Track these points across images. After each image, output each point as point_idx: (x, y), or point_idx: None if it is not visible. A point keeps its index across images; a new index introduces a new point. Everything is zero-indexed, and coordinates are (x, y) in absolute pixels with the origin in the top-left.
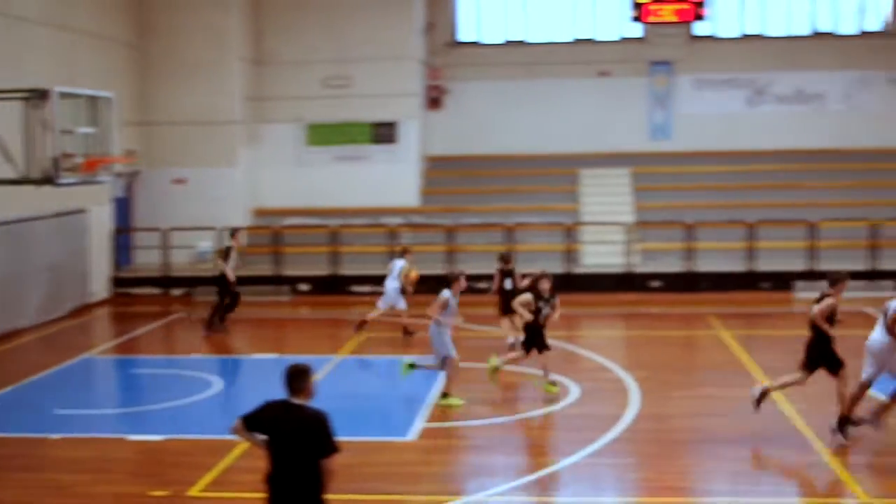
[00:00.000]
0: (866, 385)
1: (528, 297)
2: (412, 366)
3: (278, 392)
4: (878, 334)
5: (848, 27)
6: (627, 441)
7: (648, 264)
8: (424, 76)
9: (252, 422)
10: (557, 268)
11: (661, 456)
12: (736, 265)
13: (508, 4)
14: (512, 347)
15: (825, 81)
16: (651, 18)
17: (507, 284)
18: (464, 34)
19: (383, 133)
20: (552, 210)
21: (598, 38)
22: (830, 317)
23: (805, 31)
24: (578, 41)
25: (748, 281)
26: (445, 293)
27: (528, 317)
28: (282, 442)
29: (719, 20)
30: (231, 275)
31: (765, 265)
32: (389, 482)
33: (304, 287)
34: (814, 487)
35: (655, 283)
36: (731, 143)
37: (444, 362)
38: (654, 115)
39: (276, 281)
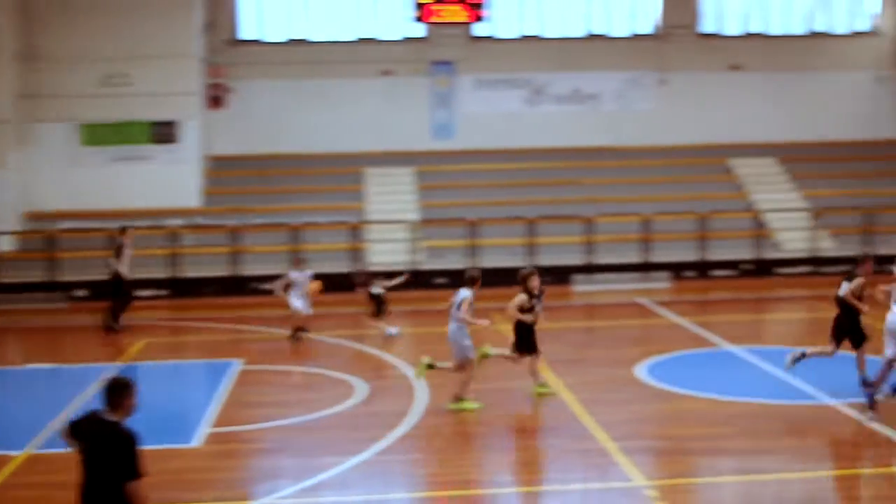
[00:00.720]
0: (892, 362)
1: (522, 297)
2: (430, 366)
3: (54, 403)
4: (894, 315)
5: (620, 30)
6: (415, 437)
7: (433, 261)
8: (205, 75)
9: (73, 429)
10: (344, 267)
11: (448, 450)
12: (517, 260)
13: (290, 2)
14: (391, 338)
15: (600, 82)
16: (433, 18)
17: (376, 289)
18: (245, 32)
19: (163, 133)
20: (338, 209)
21: (381, 37)
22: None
23: (580, 33)
24: (361, 40)
25: None
26: (466, 292)
27: (530, 318)
28: (88, 456)
29: (499, 21)
30: (125, 273)
31: (545, 260)
32: (175, 490)
33: (81, 293)
34: (595, 473)
35: (441, 280)
36: (512, 142)
37: (462, 365)
38: (436, 115)
39: (51, 287)
